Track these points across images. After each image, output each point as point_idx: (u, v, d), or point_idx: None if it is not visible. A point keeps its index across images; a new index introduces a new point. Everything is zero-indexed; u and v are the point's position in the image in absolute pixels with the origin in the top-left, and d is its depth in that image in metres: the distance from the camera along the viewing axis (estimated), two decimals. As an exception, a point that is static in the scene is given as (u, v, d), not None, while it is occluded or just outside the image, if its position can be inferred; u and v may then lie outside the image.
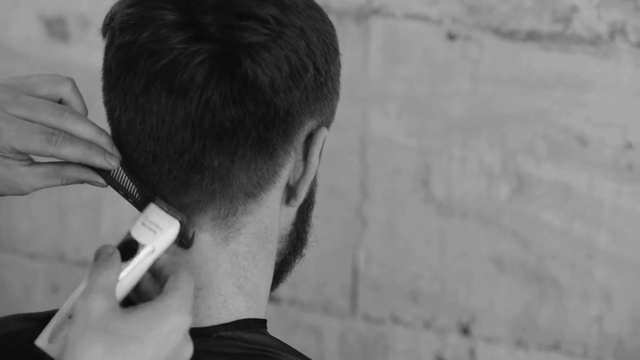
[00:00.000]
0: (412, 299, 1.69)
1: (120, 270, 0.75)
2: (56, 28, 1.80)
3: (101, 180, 0.83)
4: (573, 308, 1.60)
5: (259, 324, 0.86)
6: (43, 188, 0.85)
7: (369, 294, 1.72)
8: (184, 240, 0.80)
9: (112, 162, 0.82)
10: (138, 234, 0.77)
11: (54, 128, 0.81)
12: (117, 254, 0.75)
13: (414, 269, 1.68)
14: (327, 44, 0.83)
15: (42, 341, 0.74)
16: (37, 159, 0.85)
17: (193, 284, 0.75)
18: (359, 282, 1.72)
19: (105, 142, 0.82)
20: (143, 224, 0.78)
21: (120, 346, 0.70)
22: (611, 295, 1.58)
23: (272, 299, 1.72)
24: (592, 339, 1.60)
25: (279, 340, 0.86)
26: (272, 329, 1.67)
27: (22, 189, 0.84)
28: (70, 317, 0.74)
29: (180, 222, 0.79)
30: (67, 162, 0.84)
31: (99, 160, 0.82)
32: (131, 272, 0.76)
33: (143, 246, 0.76)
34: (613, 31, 1.49)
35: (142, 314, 0.72)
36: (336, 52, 0.85)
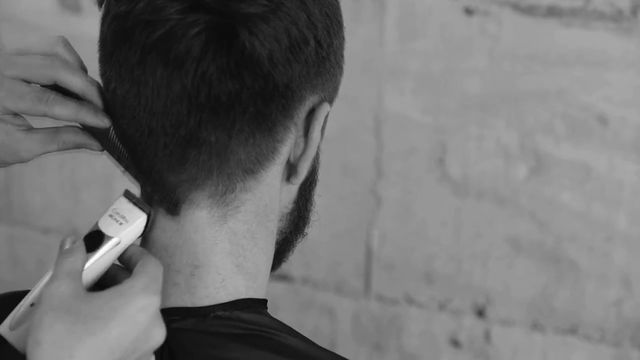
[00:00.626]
0: (427, 280, 1.67)
1: (85, 259, 0.75)
2: (69, 0, 1.79)
3: (97, 144, 0.83)
4: (591, 291, 1.58)
5: (258, 304, 0.84)
6: (41, 154, 0.84)
7: (383, 274, 1.70)
8: (170, 206, 0.80)
9: (104, 120, 0.81)
10: (104, 225, 0.77)
11: (47, 79, 0.81)
12: (81, 243, 0.75)
13: (428, 250, 1.66)
14: (329, 16, 0.81)
15: (3, 328, 0.75)
16: (35, 125, 0.85)
17: (161, 268, 0.75)
18: (373, 262, 1.70)
19: (94, 93, 0.81)
20: (110, 215, 0.78)
21: (82, 326, 0.69)
22: (630, 279, 1.56)
23: (285, 278, 1.70)
24: (610, 323, 1.58)
25: (278, 321, 0.85)
26: (285, 308, 1.64)
27: (20, 154, 0.84)
28: (32, 305, 0.74)
29: (148, 215, 0.78)
30: (63, 127, 0.83)
31: (90, 119, 0.81)
32: (96, 262, 0.76)
33: (109, 238, 0.76)
34: (635, 7, 1.46)
35: (106, 295, 0.72)
36: (339, 25, 0.83)
